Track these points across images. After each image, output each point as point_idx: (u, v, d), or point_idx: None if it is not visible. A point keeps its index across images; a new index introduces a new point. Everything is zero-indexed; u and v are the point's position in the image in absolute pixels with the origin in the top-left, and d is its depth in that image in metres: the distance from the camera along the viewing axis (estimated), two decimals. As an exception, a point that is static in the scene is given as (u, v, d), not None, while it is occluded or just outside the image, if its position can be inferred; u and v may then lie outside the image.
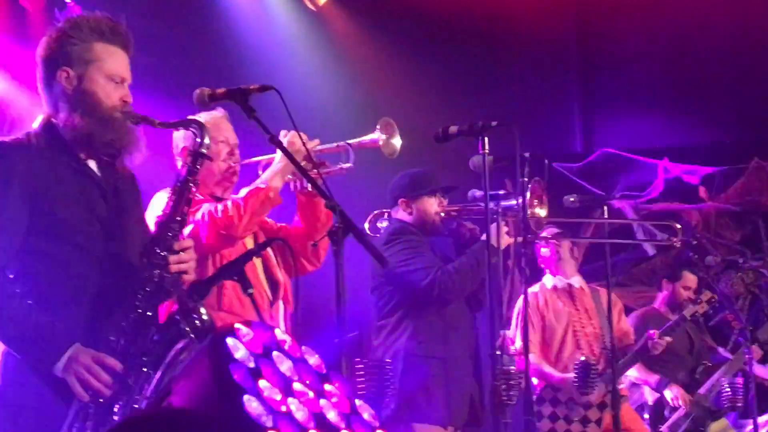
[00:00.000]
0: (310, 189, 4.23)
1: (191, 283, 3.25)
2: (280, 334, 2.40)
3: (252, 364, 2.23)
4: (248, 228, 4.09)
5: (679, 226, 5.95)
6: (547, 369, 6.02)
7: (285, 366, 2.32)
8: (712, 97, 9.38)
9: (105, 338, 3.00)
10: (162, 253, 3.10)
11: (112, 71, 3.19)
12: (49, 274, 3.04)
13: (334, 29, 8.22)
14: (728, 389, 6.59)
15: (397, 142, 4.31)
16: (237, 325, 2.30)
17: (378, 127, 4.31)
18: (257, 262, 4.17)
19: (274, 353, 2.32)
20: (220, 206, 4.06)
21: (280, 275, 4.34)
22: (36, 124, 3.22)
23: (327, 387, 2.36)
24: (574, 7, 9.64)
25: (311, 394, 2.29)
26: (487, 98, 8.60)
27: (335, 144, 4.30)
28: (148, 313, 3.05)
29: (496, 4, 8.96)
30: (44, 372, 2.95)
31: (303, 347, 2.42)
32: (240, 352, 2.23)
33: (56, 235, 3.06)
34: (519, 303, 5.95)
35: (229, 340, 2.23)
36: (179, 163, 4.18)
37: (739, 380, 6.63)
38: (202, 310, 3.05)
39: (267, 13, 7.82)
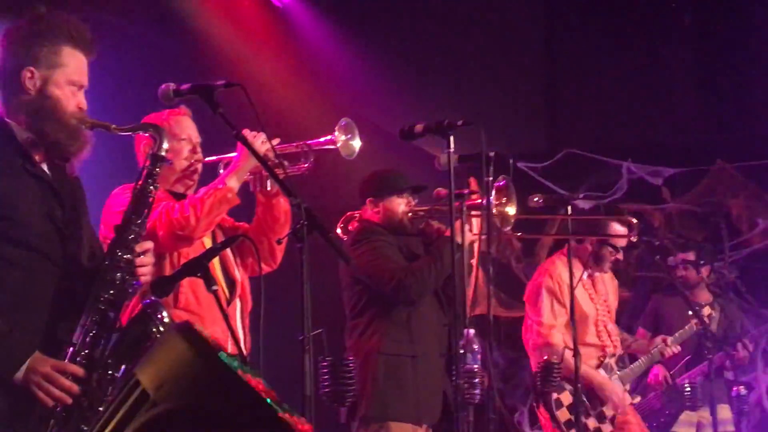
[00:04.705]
0: (269, 189, 4.21)
1: (155, 279, 3.23)
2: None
3: None
4: (205, 228, 4.05)
5: (635, 220, 5.97)
6: (591, 372, 5.90)
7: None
8: (675, 99, 9.45)
9: (67, 342, 2.97)
10: (124, 256, 3.08)
11: (74, 78, 3.13)
12: (7, 277, 2.98)
13: (300, 26, 8.19)
14: (688, 389, 6.63)
15: (356, 143, 4.27)
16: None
17: (337, 127, 4.27)
18: (215, 260, 4.13)
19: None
20: (177, 206, 4.02)
21: (238, 273, 4.31)
22: None
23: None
24: (541, 7, 9.68)
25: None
26: (452, 97, 8.61)
27: (294, 144, 4.27)
28: (111, 315, 3.03)
29: (463, 3, 8.98)
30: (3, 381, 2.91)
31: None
32: None
33: (13, 238, 2.99)
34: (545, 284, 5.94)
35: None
36: (142, 147, 4.13)
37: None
38: (165, 313, 3.03)
39: (232, 8, 7.77)
